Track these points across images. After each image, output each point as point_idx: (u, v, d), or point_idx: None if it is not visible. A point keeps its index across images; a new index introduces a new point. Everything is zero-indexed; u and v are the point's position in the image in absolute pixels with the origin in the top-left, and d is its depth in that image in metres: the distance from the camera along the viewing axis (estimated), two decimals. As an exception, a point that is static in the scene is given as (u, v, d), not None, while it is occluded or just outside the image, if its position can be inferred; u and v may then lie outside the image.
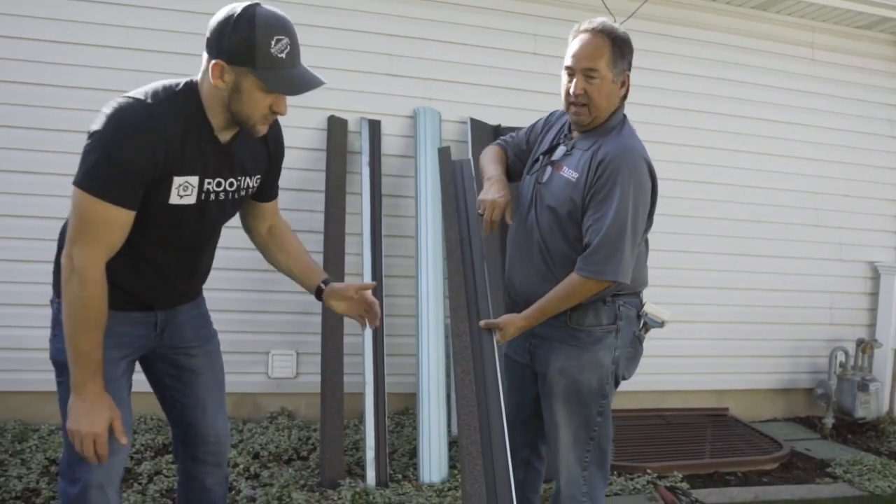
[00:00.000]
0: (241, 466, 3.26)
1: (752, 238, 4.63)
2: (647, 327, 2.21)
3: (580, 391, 2.10)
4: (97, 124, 1.60)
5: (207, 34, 1.64)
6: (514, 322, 2.13)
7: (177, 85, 1.69)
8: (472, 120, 4.10)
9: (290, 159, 3.82)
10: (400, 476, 3.33)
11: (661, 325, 2.21)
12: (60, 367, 1.76)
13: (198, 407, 1.99)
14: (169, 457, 3.26)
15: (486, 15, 4.17)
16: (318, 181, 3.85)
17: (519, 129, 4.12)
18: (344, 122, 3.98)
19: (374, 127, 4.02)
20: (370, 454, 3.27)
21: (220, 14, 1.62)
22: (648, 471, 3.52)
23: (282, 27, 1.61)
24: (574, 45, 2.06)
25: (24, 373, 3.58)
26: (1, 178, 3.54)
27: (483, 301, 2.27)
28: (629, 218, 1.98)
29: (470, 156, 3.99)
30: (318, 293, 2.02)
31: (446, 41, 4.12)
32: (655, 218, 4.38)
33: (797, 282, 4.76)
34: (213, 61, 1.61)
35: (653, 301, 4.19)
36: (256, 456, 3.42)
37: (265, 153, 1.91)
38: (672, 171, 4.44)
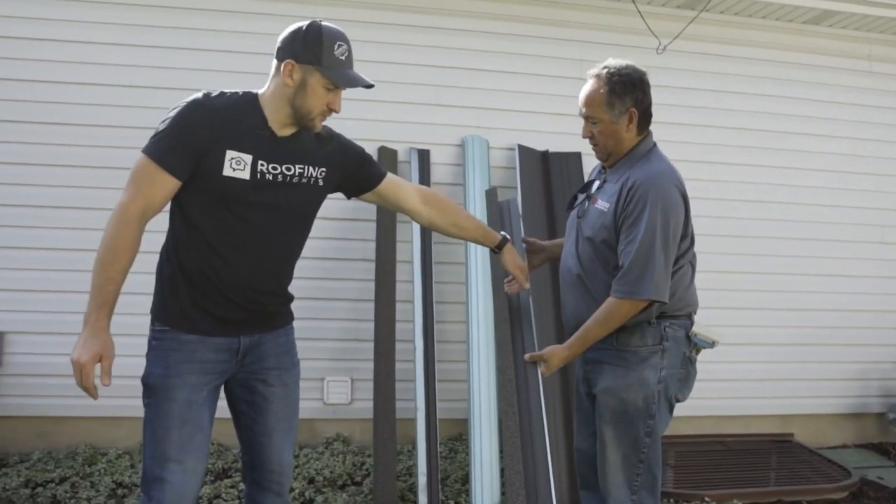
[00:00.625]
0: (297, 491, 3.34)
1: (813, 257, 4.50)
2: (697, 348, 2.23)
3: (627, 411, 2.12)
4: (170, 112, 1.88)
5: (279, 44, 1.92)
6: (557, 353, 2.19)
7: (238, 91, 1.96)
8: (520, 146, 4.14)
9: (341, 190, 3.98)
10: (452, 502, 3.34)
11: (712, 345, 2.22)
12: (148, 389, 1.91)
13: (265, 435, 2.07)
14: (228, 481, 3.37)
15: (532, 43, 4.23)
16: (370, 211, 3.95)
17: (567, 153, 4.20)
18: (394, 153, 4.08)
19: (424, 156, 4.10)
20: (422, 480, 3.30)
21: (291, 27, 1.92)
22: (706, 499, 3.43)
23: (342, 36, 1.93)
24: (580, 93, 2.22)
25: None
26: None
27: (528, 335, 2.32)
28: (658, 238, 2.04)
29: (518, 182, 4.03)
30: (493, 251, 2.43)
31: (493, 70, 4.20)
32: (712, 239, 4.38)
33: (863, 301, 4.58)
34: (285, 61, 1.88)
35: (711, 323, 4.16)
36: (312, 481, 3.49)
37: (323, 147, 2.07)
38: (727, 192, 4.40)
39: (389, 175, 2.26)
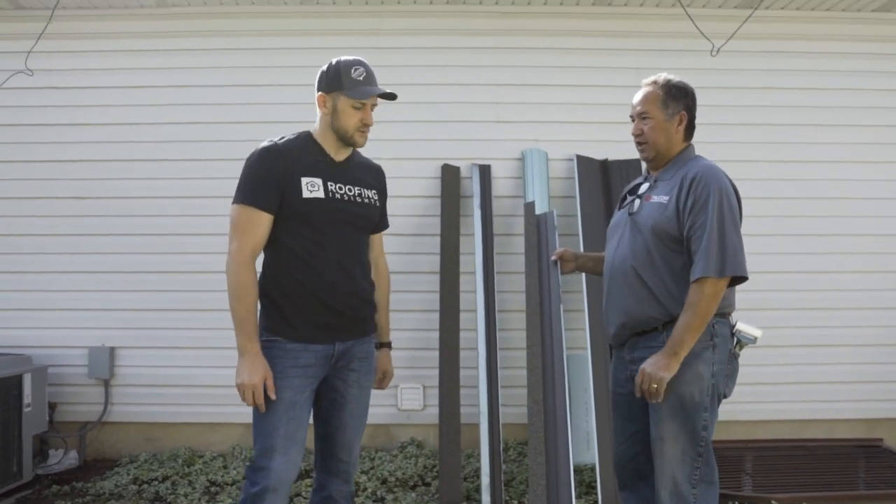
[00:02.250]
0: (370, 490, 3.57)
1: (894, 253, 4.31)
2: (741, 344, 2.27)
3: (684, 405, 2.17)
4: (244, 167, 2.21)
5: (315, 84, 2.26)
6: (655, 365, 2.14)
7: (296, 132, 2.31)
8: (578, 157, 4.24)
9: (407, 207, 4.25)
10: (515, 502, 3.46)
11: (754, 340, 2.26)
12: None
13: (340, 429, 2.34)
14: (308, 481, 3.64)
15: (586, 55, 4.33)
16: (434, 226, 4.17)
17: (626, 161, 4.25)
18: (456, 170, 4.28)
19: (485, 171, 4.28)
20: (485, 480, 3.43)
21: (320, 70, 2.26)
22: (773, 502, 3.37)
23: (358, 61, 2.25)
24: (634, 97, 2.39)
25: (193, 406, 4.17)
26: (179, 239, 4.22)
27: (557, 338, 2.45)
28: (727, 218, 2.15)
29: (577, 191, 4.14)
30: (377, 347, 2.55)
31: (550, 84, 4.33)
32: (783, 239, 4.38)
33: (957, 299, 4.33)
34: (318, 94, 2.24)
35: (788, 324, 3.99)
36: (384, 481, 3.71)
37: (375, 178, 2.42)
38: (800, 190, 4.32)
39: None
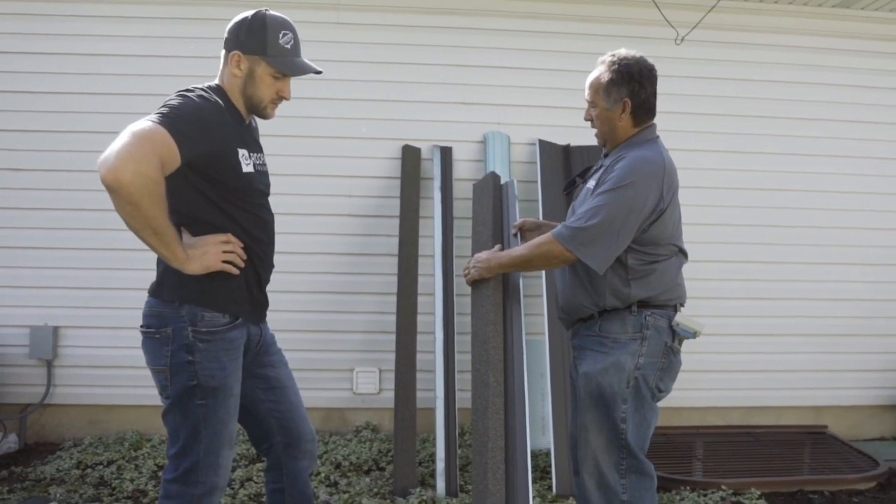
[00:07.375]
0: (323, 475, 3.51)
1: (844, 245, 4.40)
2: (680, 339, 2.22)
3: (603, 394, 2.16)
4: (174, 100, 1.82)
5: (226, 35, 1.97)
6: (483, 257, 2.40)
7: (208, 85, 1.98)
8: (541, 141, 4.21)
9: (366, 188, 4.17)
10: (470, 487, 3.45)
11: (694, 335, 2.20)
12: (206, 391, 1.93)
13: (293, 410, 2.19)
14: (259, 465, 3.57)
15: (552, 39, 4.29)
16: (393, 207, 4.09)
17: (588, 147, 4.24)
18: (417, 151, 4.20)
19: (446, 153, 4.22)
20: (440, 465, 3.43)
21: (237, 17, 1.97)
22: (723, 487, 3.43)
23: (287, 25, 1.97)
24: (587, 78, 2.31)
25: (140, 388, 4.00)
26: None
27: (517, 316, 2.42)
28: (623, 214, 2.07)
29: (538, 176, 4.11)
30: None
31: (515, 67, 4.27)
32: (737, 229, 4.33)
33: (899, 290, 4.46)
34: (232, 52, 1.95)
35: (748, 313, 4.00)
36: (338, 466, 3.66)
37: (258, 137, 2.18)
38: (755, 181, 4.36)
39: None
